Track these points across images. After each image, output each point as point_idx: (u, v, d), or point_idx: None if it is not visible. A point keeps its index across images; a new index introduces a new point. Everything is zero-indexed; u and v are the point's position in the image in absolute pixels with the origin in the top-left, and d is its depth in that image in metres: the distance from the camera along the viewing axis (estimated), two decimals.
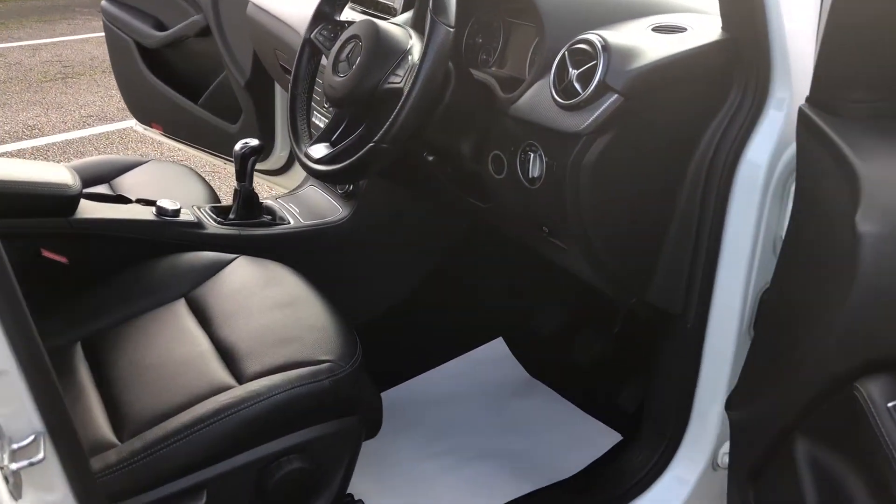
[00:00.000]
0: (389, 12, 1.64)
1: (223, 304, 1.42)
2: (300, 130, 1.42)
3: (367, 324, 1.78)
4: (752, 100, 1.19)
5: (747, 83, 1.20)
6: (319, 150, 1.36)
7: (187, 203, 1.87)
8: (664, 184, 1.25)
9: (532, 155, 1.24)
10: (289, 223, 1.72)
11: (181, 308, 1.44)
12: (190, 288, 1.48)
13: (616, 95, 1.14)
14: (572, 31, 1.25)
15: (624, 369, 1.76)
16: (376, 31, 1.29)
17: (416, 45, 1.28)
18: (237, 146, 1.67)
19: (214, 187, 2.12)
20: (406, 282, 1.83)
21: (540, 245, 1.39)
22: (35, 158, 4.15)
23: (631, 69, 1.14)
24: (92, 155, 4.18)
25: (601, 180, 1.20)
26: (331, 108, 1.69)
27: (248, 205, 1.69)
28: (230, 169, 2.23)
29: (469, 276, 1.92)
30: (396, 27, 1.33)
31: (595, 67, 1.15)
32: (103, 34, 2.98)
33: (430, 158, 1.44)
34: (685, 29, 1.22)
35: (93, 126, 4.64)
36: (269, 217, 1.74)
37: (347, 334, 1.30)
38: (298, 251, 1.70)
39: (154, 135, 3.07)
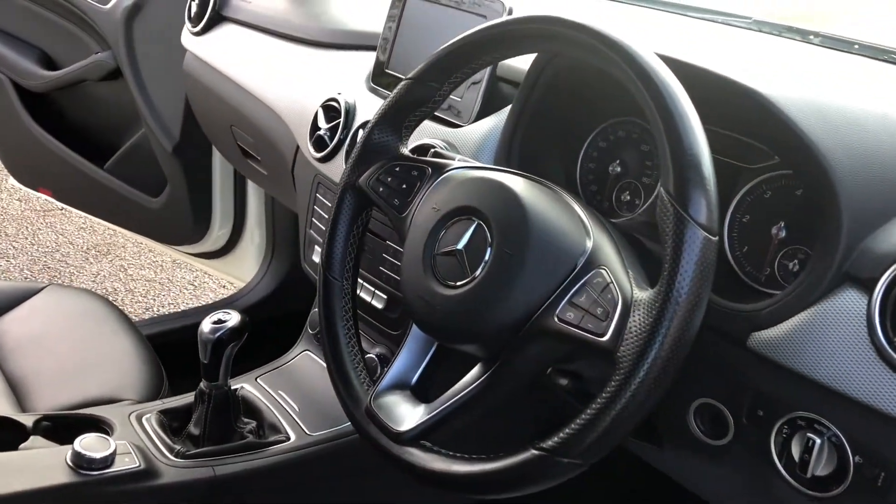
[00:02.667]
0: (460, 117, 1.02)
1: None
2: (346, 358, 0.79)
3: None
4: None
5: None
6: (399, 406, 0.74)
7: (110, 383, 1.21)
8: None
9: (817, 441, 0.67)
10: (286, 437, 1.09)
11: None
12: None
13: None
14: (886, 202, 0.69)
15: None
16: (522, 212, 0.68)
17: (604, 246, 0.67)
18: (206, 325, 1.02)
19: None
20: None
21: None
22: None
23: None
24: None
25: None
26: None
27: (222, 417, 1.05)
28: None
29: None
30: (548, 194, 0.72)
31: None
32: None
33: (564, 382, 0.84)
34: None
35: None
36: (253, 426, 1.10)
37: None
38: (305, 484, 1.08)
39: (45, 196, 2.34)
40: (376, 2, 1.41)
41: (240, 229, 2.10)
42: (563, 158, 0.99)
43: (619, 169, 0.95)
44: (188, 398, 1.11)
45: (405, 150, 0.83)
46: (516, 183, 0.71)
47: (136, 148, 2.03)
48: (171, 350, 1.83)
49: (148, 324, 1.84)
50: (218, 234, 2.08)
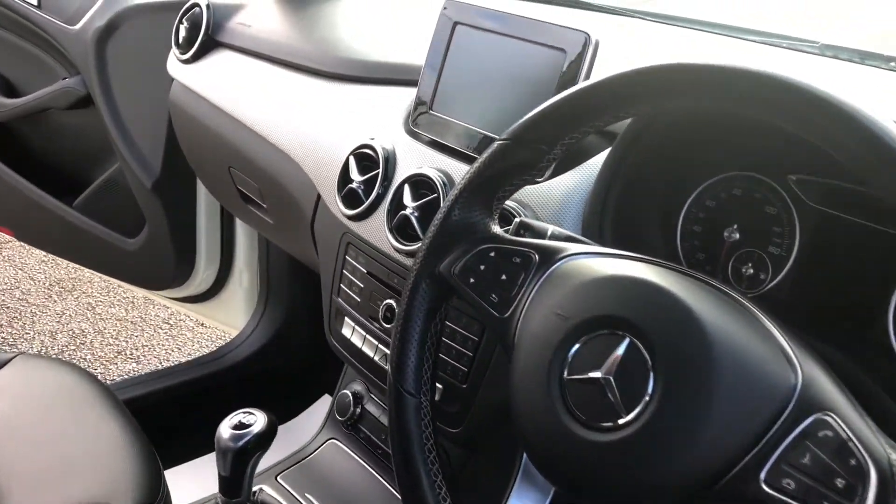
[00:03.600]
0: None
1: None
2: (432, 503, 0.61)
3: None
4: None
5: None
6: None
7: (99, 486, 1.01)
8: None
9: None
10: None
11: None
12: None
13: None
14: None
15: None
16: (697, 328, 0.50)
17: (820, 380, 0.49)
18: (224, 430, 0.84)
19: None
20: None
21: None
22: None
23: None
24: None
25: None
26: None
27: None
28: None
29: None
30: (724, 300, 0.54)
31: None
32: None
33: None
34: None
35: None
36: None
37: None
38: None
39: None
40: (403, 29, 1.23)
41: (227, 270, 1.90)
42: (661, 220, 0.82)
43: (736, 235, 0.78)
44: None
45: (497, 229, 0.65)
46: (676, 284, 0.54)
47: (109, 183, 1.82)
48: (154, 415, 1.62)
49: (127, 386, 1.63)
50: (203, 276, 1.88)
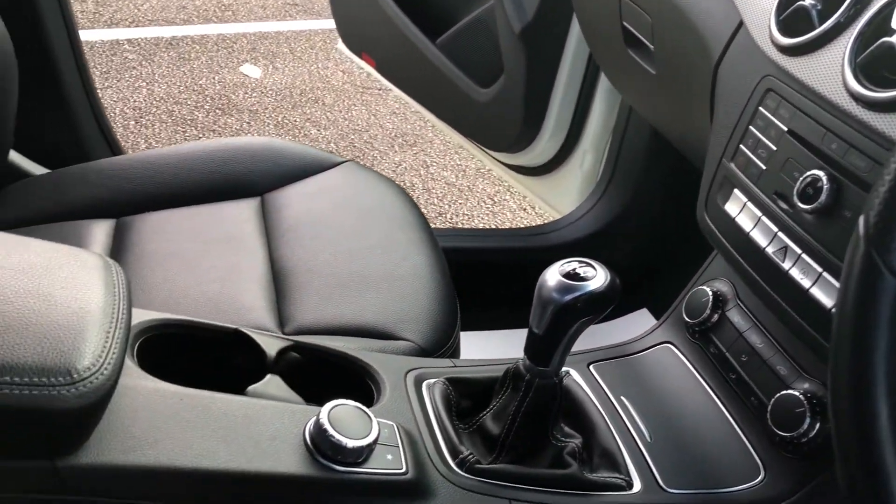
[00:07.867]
0: None
1: None
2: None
3: None
4: None
5: None
6: None
7: (392, 312, 0.87)
8: None
9: None
10: (626, 482, 0.67)
11: None
12: None
13: None
14: None
15: None
16: None
17: None
18: (551, 276, 0.62)
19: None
20: None
21: None
22: (219, 50, 3.31)
23: None
24: (285, 58, 3.29)
25: None
26: None
27: (537, 421, 0.65)
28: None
29: None
30: None
31: None
32: None
33: None
34: None
35: (294, 18, 3.75)
36: (577, 446, 0.69)
37: None
38: None
39: (367, 67, 2.10)
40: None
41: (571, 147, 1.70)
42: None
43: None
44: (491, 369, 0.73)
45: None
46: None
47: (477, 24, 1.68)
48: (460, 270, 1.50)
49: (441, 234, 1.51)
50: (544, 146, 1.70)
